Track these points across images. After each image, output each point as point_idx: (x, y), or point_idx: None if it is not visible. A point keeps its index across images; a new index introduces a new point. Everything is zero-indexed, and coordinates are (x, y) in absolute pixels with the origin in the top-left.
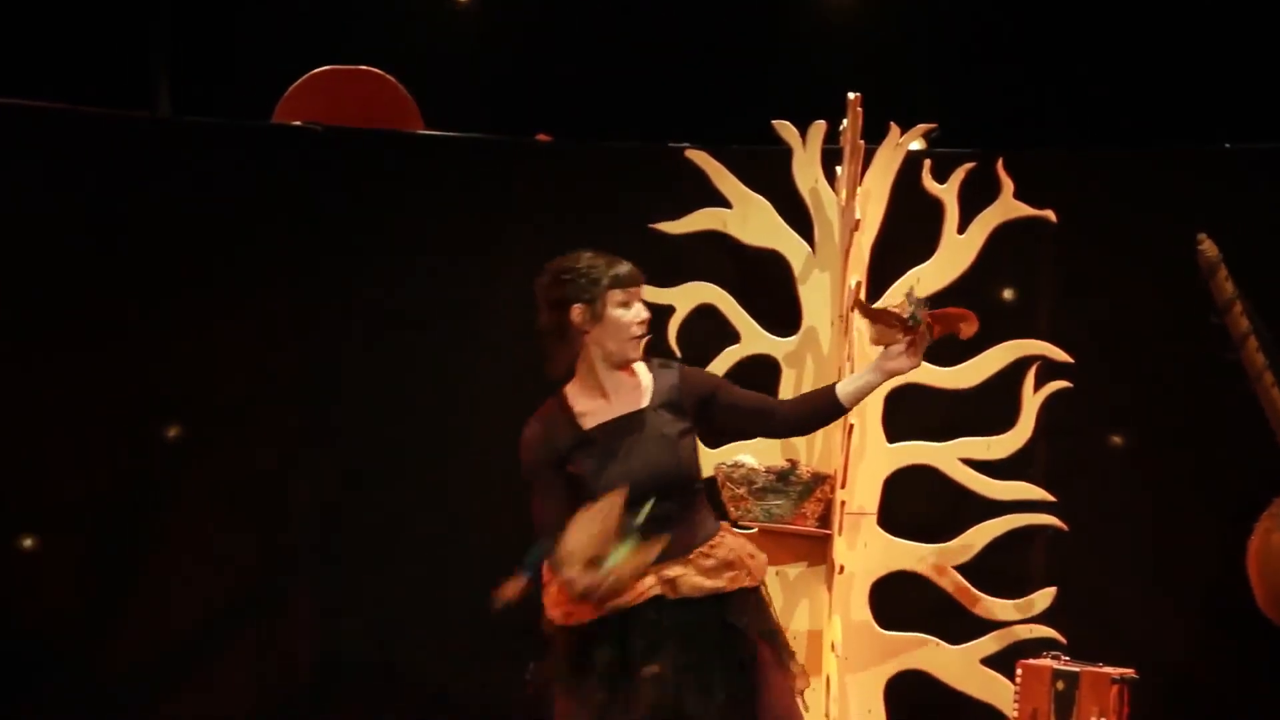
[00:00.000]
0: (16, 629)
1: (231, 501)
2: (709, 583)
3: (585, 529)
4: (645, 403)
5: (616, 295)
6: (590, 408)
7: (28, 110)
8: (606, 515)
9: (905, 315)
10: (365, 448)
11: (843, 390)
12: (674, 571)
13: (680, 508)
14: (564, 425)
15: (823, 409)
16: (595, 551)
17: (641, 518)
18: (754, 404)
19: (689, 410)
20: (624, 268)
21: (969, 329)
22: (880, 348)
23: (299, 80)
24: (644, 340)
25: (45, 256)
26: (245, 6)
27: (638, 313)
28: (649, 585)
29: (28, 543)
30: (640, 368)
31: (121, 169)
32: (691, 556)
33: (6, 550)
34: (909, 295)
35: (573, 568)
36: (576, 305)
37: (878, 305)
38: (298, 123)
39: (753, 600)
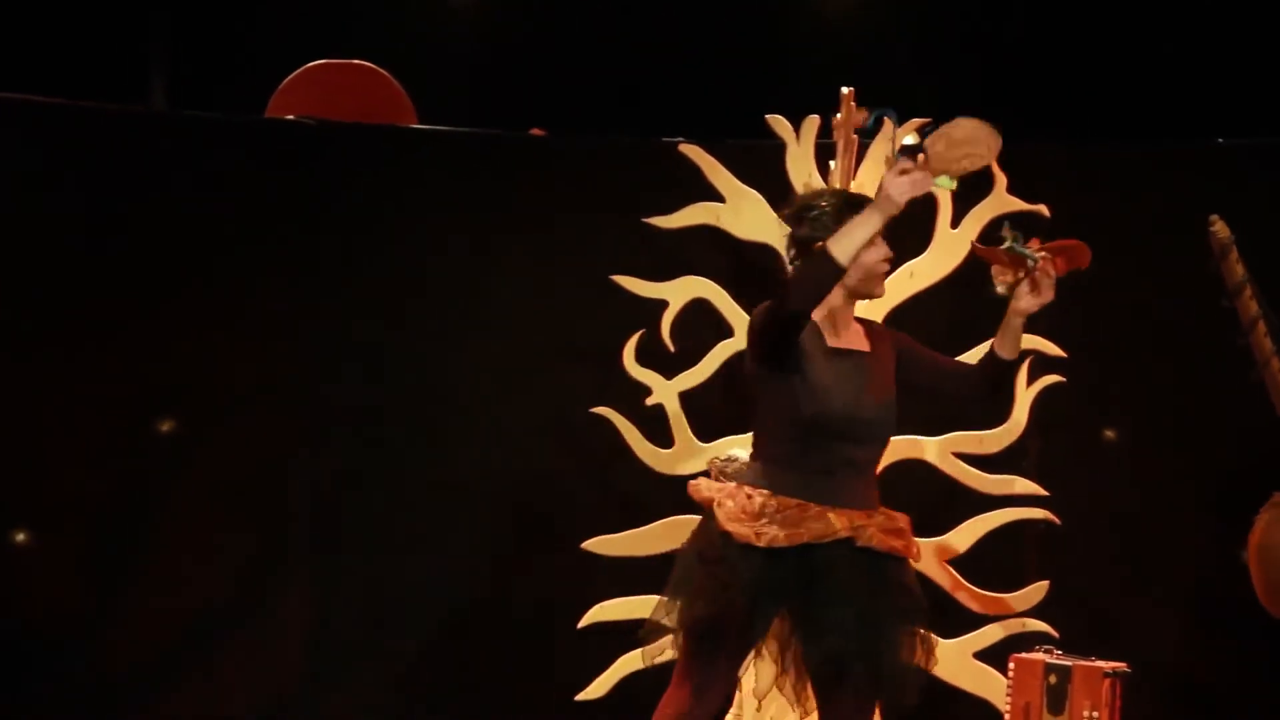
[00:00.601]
0: (12, 625)
1: (229, 498)
2: (892, 540)
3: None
4: (868, 347)
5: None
6: (834, 329)
7: (22, 104)
8: (983, 139)
9: (1006, 250)
10: (362, 443)
11: (999, 344)
12: (861, 521)
13: (875, 455)
14: (811, 331)
15: (990, 367)
16: (956, 151)
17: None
18: (943, 363)
19: (896, 362)
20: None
21: (1084, 257)
22: (1009, 294)
23: (293, 74)
24: (886, 277)
25: (40, 251)
26: (241, 1)
27: (883, 250)
28: (841, 526)
29: (21, 537)
30: (856, 321)
31: (117, 163)
32: (876, 514)
33: (2, 546)
34: (1006, 230)
35: (936, 141)
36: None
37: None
38: (291, 117)
39: (913, 572)
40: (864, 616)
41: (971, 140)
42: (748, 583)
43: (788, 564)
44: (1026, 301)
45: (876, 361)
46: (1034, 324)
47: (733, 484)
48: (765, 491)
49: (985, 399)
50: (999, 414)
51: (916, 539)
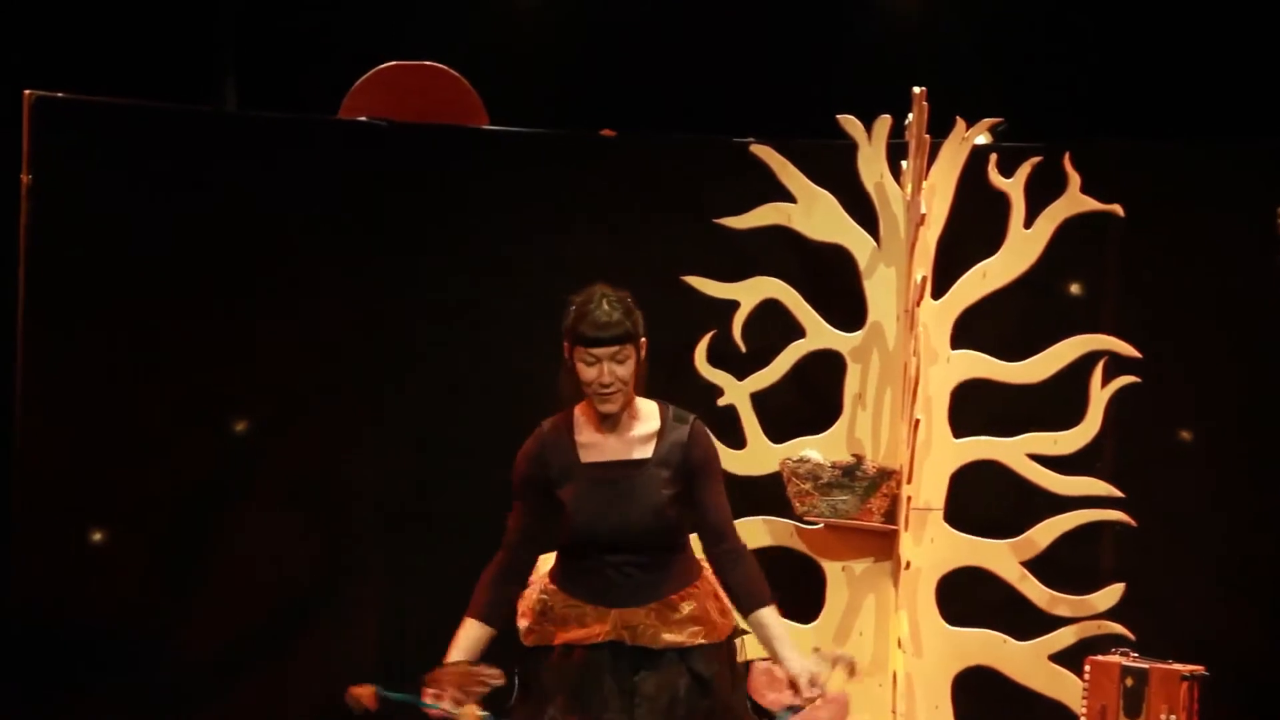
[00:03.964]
0: (90, 622)
1: (302, 496)
2: (670, 636)
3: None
4: (649, 454)
5: (579, 351)
6: (594, 440)
7: (96, 105)
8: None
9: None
10: (430, 443)
11: (755, 620)
12: (637, 619)
13: (656, 556)
14: (564, 450)
15: (738, 595)
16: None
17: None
18: (709, 516)
19: (683, 475)
20: (590, 326)
21: None
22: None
23: (365, 76)
24: (611, 397)
25: (112, 251)
26: (311, 1)
27: (600, 373)
28: (603, 630)
29: (98, 537)
30: (652, 412)
31: (191, 164)
32: (654, 606)
33: (77, 544)
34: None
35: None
36: (565, 342)
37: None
38: (363, 118)
39: (717, 656)
40: (636, 710)
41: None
42: (535, 688)
43: (555, 665)
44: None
45: (643, 473)
46: (1107, 325)
47: (544, 578)
48: (554, 588)
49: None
50: (1074, 415)
51: (727, 607)
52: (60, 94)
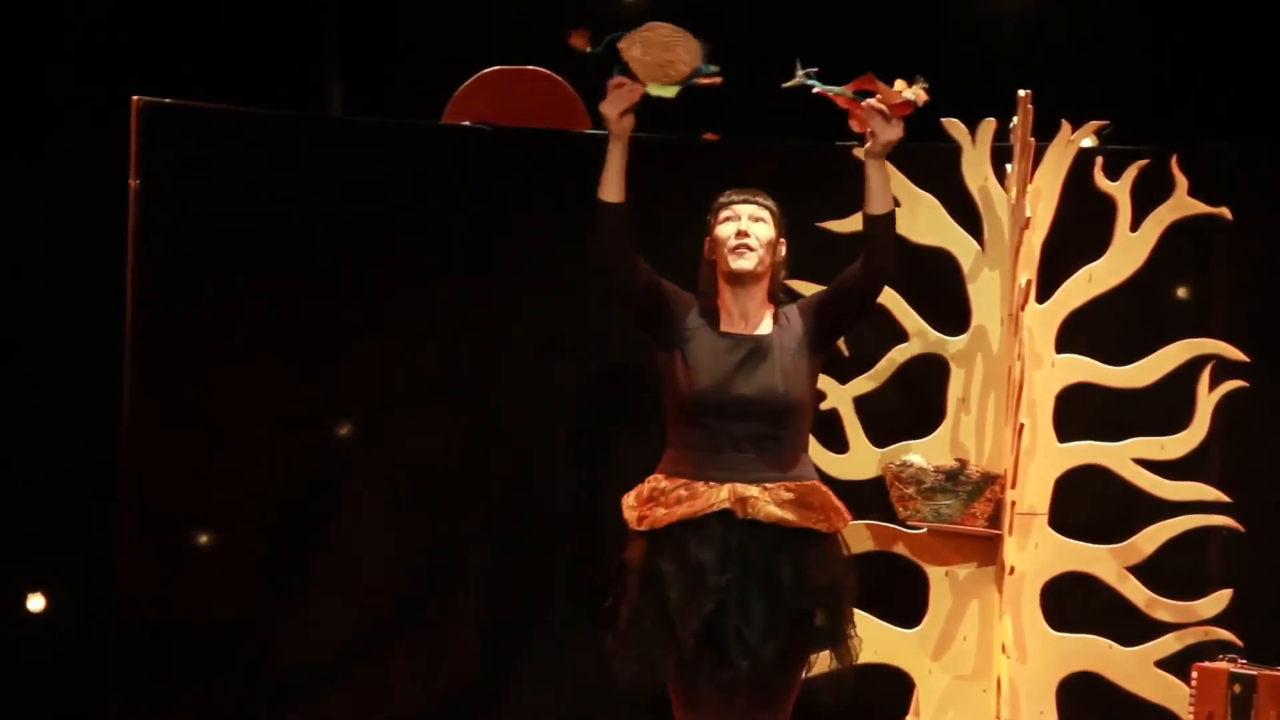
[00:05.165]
0: (194, 624)
1: (403, 499)
2: (779, 511)
3: (664, 42)
4: (772, 331)
5: (721, 213)
6: (725, 314)
7: (203, 111)
8: (685, 48)
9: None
10: (534, 446)
11: (865, 201)
12: (750, 491)
13: (776, 434)
14: (703, 315)
15: (866, 228)
16: (656, 56)
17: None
18: (838, 282)
19: (809, 329)
20: (732, 189)
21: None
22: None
23: (468, 81)
24: (744, 251)
25: (218, 256)
26: (415, 6)
27: (734, 227)
28: (720, 498)
29: (204, 539)
30: (775, 310)
31: (293, 169)
32: (770, 485)
33: (183, 547)
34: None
35: (631, 45)
36: (708, 230)
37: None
38: (467, 123)
39: (823, 550)
40: (729, 593)
41: (669, 47)
42: (643, 574)
43: (664, 545)
44: (870, 143)
45: (774, 344)
46: (1215, 328)
47: (650, 478)
48: (660, 475)
49: (878, 272)
50: (1181, 420)
51: (845, 511)
52: (168, 100)
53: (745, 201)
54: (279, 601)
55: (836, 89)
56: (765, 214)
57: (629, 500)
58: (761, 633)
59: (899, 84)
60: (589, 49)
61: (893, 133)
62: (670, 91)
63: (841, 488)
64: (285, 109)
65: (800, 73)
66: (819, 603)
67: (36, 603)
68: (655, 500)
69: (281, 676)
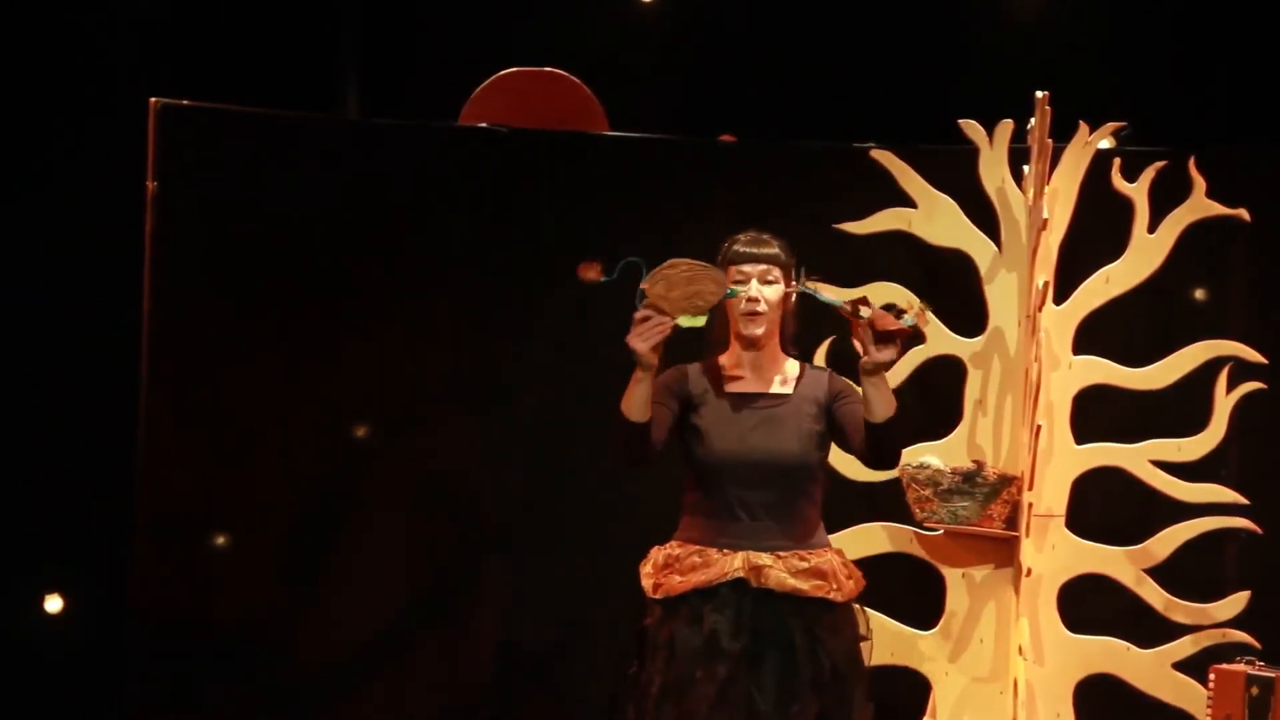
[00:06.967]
0: (212, 626)
1: (420, 502)
2: (793, 581)
3: (687, 276)
4: (791, 391)
5: (730, 271)
6: (737, 374)
7: (220, 113)
8: (708, 278)
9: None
10: (552, 447)
11: (864, 408)
12: (763, 560)
13: (790, 500)
14: (710, 378)
15: (871, 436)
16: (681, 290)
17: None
18: (851, 427)
19: (826, 409)
20: (741, 244)
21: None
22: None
23: (485, 82)
24: (755, 319)
25: (236, 258)
26: (432, 8)
27: (747, 291)
28: (734, 567)
29: (221, 540)
30: (794, 365)
31: (311, 170)
32: (784, 554)
33: (201, 548)
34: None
35: (655, 284)
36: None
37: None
38: (484, 124)
39: (837, 618)
40: (742, 661)
41: (692, 280)
42: (657, 643)
43: (680, 612)
44: (864, 359)
45: (787, 405)
46: (1232, 330)
47: (667, 544)
48: (677, 541)
49: (878, 463)
50: (1198, 422)
51: (859, 578)
52: (185, 101)
53: (754, 260)
54: (295, 603)
55: (837, 301)
56: (775, 270)
57: (645, 568)
58: (774, 700)
59: (905, 300)
60: (602, 278)
61: (885, 355)
62: (700, 321)
63: (858, 489)
64: (302, 111)
65: (804, 282)
66: (833, 669)
67: (54, 604)
68: (670, 567)
69: (297, 678)
